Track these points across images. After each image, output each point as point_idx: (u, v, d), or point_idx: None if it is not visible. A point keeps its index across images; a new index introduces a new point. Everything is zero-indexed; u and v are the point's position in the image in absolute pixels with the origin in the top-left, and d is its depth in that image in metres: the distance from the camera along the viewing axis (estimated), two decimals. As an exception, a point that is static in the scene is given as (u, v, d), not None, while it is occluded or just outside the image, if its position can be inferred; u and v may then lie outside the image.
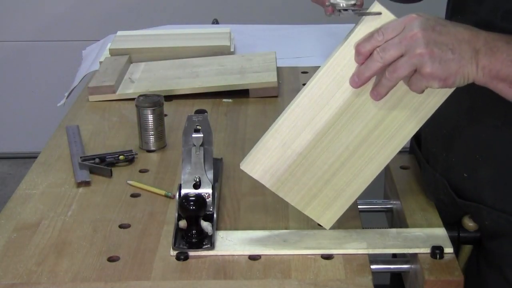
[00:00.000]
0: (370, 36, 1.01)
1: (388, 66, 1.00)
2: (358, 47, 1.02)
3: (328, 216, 1.14)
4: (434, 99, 1.06)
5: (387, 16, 1.04)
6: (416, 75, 1.00)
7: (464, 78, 1.00)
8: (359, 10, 1.09)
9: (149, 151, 1.45)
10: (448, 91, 1.06)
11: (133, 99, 1.51)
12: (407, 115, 1.07)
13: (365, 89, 1.06)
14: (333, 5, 1.11)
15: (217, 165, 1.30)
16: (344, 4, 1.10)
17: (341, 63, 1.05)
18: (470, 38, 1.00)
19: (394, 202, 1.32)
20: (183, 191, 1.17)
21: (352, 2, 1.10)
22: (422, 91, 1.02)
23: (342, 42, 1.05)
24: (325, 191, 1.12)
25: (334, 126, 1.08)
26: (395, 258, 1.25)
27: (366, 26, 1.04)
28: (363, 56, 1.02)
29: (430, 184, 1.25)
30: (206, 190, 1.17)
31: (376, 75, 1.03)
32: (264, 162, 1.10)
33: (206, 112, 1.30)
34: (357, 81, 1.03)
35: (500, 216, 1.15)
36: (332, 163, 1.10)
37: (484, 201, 1.17)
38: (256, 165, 1.11)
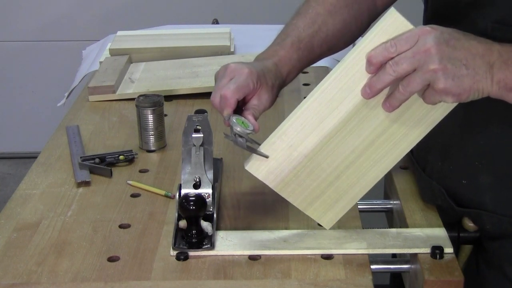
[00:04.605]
0: (383, 47, 1.00)
1: (401, 80, 0.99)
2: (370, 58, 1.01)
3: (329, 217, 1.14)
4: (440, 109, 1.06)
5: (403, 24, 1.01)
6: (430, 90, 0.99)
7: (479, 93, 0.99)
8: (251, 144, 1.10)
9: (149, 151, 1.45)
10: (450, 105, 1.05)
11: (133, 99, 1.52)
12: (413, 123, 1.07)
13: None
14: (231, 126, 1.10)
15: (217, 165, 1.30)
16: (239, 129, 1.09)
17: (352, 70, 1.04)
18: (484, 52, 0.99)
19: (394, 202, 1.32)
20: (183, 191, 1.17)
21: (248, 131, 1.10)
22: (436, 104, 1.02)
23: (355, 48, 1.04)
24: (327, 192, 1.12)
25: (342, 130, 1.08)
26: (394, 258, 1.25)
27: (380, 34, 1.02)
28: (375, 67, 1.01)
29: (426, 192, 1.25)
30: (206, 190, 1.17)
31: (388, 86, 1.02)
32: (269, 163, 1.10)
33: (206, 112, 1.30)
34: (369, 92, 1.03)
35: (501, 219, 1.15)
36: (337, 166, 1.10)
37: (484, 206, 1.16)
38: (261, 166, 1.11)
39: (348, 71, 1.04)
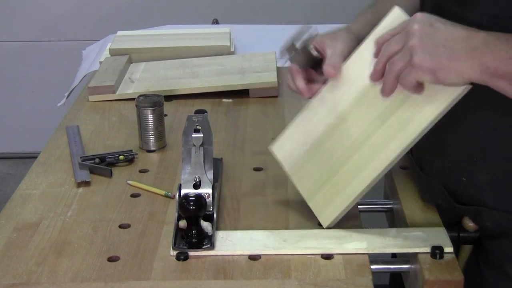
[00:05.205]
0: (387, 32, 1.07)
1: None
2: (376, 41, 1.08)
3: (327, 213, 1.15)
4: (437, 103, 1.06)
5: (403, 19, 1.09)
6: (407, 67, 1.02)
7: (458, 75, 1.00)
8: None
9: (149, 151, 1.45)
10: (448, 98, 1.05)
11: (133, 99, 1.52)
12: (409, 114, 1.09)
13: (376, 85, 1.10)
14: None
15: (217, 165, 1.30)
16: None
17: (359, 60, 1.13)
18: (468, 36, 1.00)
19: (394, 202, 1.32)
20: (183, 191, 1.17)
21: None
22: (413, 87, 1.03)
23: (363, 40, 1.15)
24: (328, 185, 1.15)
25: (345, 119, 1.14)
26: (394, 258, 1.25)
27: (384, 29, 1.10)
28: (377, 50, 1.08)
29: (426, 191, 1.25)
30: (206, 190, 1.17)
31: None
32: (288, 145, 1.19)
33: (206, 112, 1.30)
34: (373, 75, 1.08)
35: (501, 216, 1.15)
36: (338, 158, 1.14)
37: (484, 203, 1.16)
38: (282, 148, 1.21)
39: (355, 62, 1.14)
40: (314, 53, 1.20)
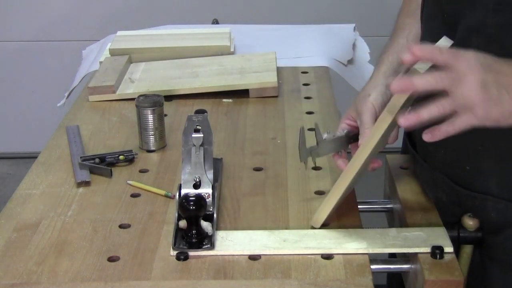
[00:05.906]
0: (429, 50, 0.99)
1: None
2: (413, 50, 0.98)
3: (316, 214, 1.17)
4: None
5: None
6: (468, 114, 0.97)
7: None
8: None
9: (149, 151, 1.45)
10: None
11: (133, 99, 1.52)
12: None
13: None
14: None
15: (217, 165, 1.30)
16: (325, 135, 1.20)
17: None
18: None
19: (394, 202, 1.32)
20: (183, 191, 1.17)
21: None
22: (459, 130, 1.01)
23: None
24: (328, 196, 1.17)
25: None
26: (393, 258, 1.25)
27: None
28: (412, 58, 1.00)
29: (428, 183, 1.25)
30: (206, 190, 1.17)
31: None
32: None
33: (206, 112, 1.30)
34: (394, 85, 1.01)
35: (507, 205, 1.15)
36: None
37: (489, 191, 1.16)
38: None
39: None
40: (338, 135, 1.20)
